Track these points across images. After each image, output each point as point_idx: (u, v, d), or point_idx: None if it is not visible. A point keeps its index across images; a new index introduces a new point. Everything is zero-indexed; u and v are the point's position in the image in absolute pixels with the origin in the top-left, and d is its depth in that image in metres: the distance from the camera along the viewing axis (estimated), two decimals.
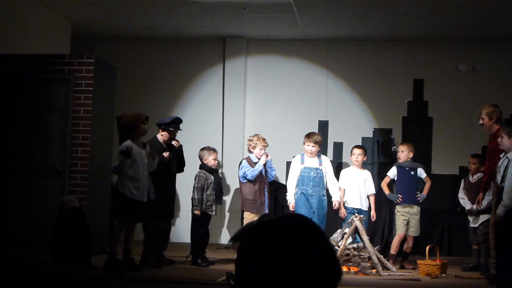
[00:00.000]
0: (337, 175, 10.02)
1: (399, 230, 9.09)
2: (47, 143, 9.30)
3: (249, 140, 9.47)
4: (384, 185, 9.37)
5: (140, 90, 12.06)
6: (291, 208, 9.18)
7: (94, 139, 9.28)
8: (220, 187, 9.38)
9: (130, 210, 7.92)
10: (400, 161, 9.34)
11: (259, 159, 9.22)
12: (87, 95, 9.24)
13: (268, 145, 9.42)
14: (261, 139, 9.29)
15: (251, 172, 9.07)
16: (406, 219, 9.09)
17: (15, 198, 9.26)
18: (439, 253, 8.62)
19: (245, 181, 9.17)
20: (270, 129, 11.53)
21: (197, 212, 8.81)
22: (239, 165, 9.46)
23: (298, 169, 9.27)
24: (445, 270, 8.33)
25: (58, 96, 9.33)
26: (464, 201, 9.14)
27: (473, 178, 9.16)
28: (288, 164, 11.33)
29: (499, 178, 7.51)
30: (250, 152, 9.39)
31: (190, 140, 10.86)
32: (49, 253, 7.85)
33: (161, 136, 8.82)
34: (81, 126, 9.22)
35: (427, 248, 8.47)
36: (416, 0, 9.43)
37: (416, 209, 9.15)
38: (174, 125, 8.83)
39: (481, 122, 8.29)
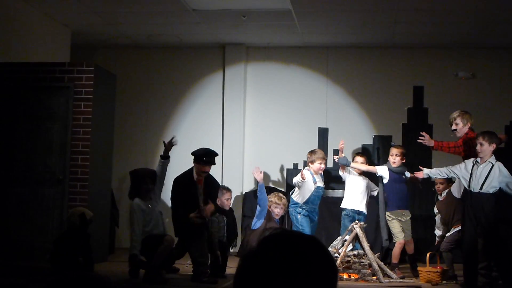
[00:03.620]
0: (336, 182, 10.00)
1: (399, 238, 8.85)
2: (47, 151, 9.29)
3: (272, 200, 8.92)
4: (362, 165, 9.20)
5: (140, 98, 12.06)
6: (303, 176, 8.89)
7: (94, 147, 9.28)
8: (233, 229, 8.88)
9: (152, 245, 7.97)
10: (395, 165, 9.01)
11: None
12: (87, 103, 9.24)
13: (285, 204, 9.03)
14: (277, 197, 8.91)
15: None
16: (401, 225, 8.97)
17: (15, 206, 9.25)
18: (439, 260, 8.60)
19: (256, 228, 8.75)
20: (270, 136, 11.54)
21: None
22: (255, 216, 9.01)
23: (311, 187, 9.06)
24: (446, 277, 8.31)
25: (58, 104, 9.32)
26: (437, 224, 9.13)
27: (442, 197, 9.07)
28: (289, 171, 11.34)
29: (475, 183, 7.49)
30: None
31: (189, 148, 10.82)
32: (48, 260, 7.79)
33: (195, 167, 8.35)
34: (81, 134, 9.22)
35: (428, 255, 8.44)
36: (415, 7, 9.45)
37: (407, 213, 8.97)
38: (204, 157, 8.28)
39: (454, 128, 8.30)
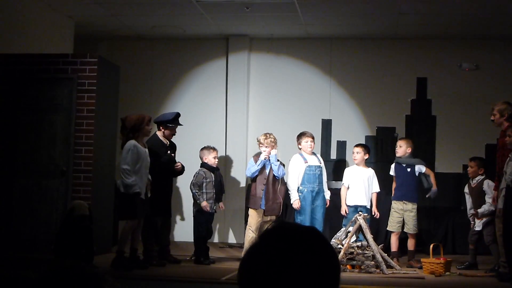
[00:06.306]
0: (340, 173, 10.01)
1: (391, 228, 9.20)
2: (50, 142, 9.30)
3: (257, 138, 9.32)
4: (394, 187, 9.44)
5: (143, 89, 12.07)
6: (297, 206, 9.08)
7: (97, 139, 9.29)
8: (221, 185, 9.27)
9: (137, 207, 7.98)
10: (397, 155, 9.35)
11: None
12: (91, 94, 9.25)
13: (273, 144, 9.17)
14: (266, 141, 9.06)
15: (248, 170, 9.09)
16: (400, 216, 9.12)
17: (19, 198, 9.27)
18: (443, 251, 8.61)
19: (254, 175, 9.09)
20: (273, 128, 11.47)
21: (204, 204, 8.78)
22: None
23: (302, 168, 9.20)
24: (449, 268, 8.32)
25: (62, 95, 9.33)
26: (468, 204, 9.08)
27: (473, 182, 9.02)
28: None
29: (510, 177, 7.47)
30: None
31: (193, 138, 10.91)
32: (52, 252, 7.83)
33: (162, 133, 8.90)
34: (85, 126, 9.23)
35: (431, 246, 8.46)
36: None
37: (410, 206, 9.13)
38: (175, 121, 8.91)
39: (492, 118, 8.33)
